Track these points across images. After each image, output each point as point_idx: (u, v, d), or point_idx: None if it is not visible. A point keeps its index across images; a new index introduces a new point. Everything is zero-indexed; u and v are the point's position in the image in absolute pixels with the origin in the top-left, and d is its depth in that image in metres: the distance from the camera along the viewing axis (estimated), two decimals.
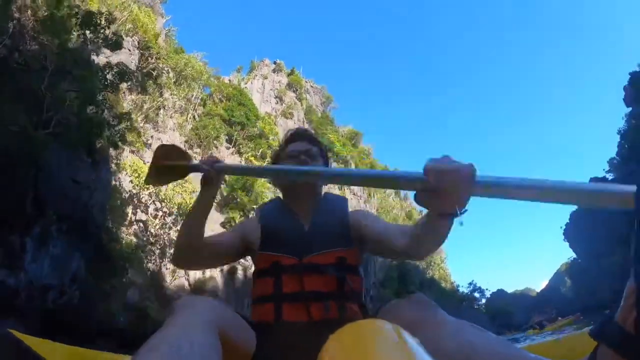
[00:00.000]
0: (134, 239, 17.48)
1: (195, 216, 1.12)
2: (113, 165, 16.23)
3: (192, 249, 1.11)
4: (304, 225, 1.17)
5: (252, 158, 29.68)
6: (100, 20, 12.94)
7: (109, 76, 13.18)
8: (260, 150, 30.76)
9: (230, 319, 0.83)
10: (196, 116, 29.31)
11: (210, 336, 0.67)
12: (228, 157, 28.53)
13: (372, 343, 0.44)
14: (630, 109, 37.07)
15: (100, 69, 13.05)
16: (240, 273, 21.64)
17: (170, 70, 27.40)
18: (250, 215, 28.68)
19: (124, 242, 16.23)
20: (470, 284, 74.80)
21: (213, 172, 1.10)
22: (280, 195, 1.33)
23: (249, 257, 1.22)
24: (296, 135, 1.34)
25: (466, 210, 0.75)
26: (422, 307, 0.77)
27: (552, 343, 1.19)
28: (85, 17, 12.52)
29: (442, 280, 60.87)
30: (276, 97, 39.81)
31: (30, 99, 11.06)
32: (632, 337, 0.50)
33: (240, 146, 30.21)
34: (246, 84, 38.80)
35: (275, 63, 44.32)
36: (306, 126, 39.14)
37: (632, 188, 0.57)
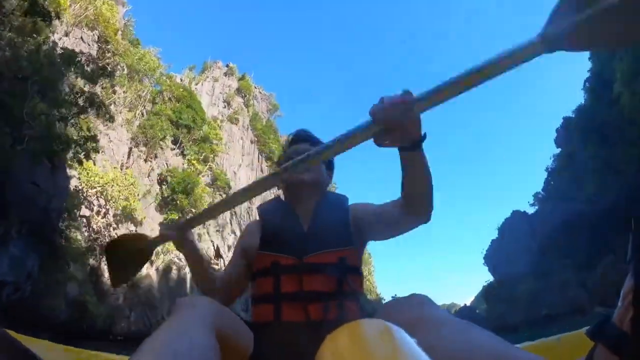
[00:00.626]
0: (78, 235, 18.84)
1: (194, 272, 1.20)
2: (69, 170, 17.58)
3: (212, 292, 1.16)
4: (303, 225, 1.16)
5: (195, 161, 31.25)
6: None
7: (80, 101, 14.84)
8: (203, 155, 32.37)
9: (229, 320, 0.83)
10: (144, 113, 30.20)
11: (208, 337, 0.68)
12: (172, 158, 29.91)
13: (369, 343, 0.44)
14: (559, 149, 41.33)
15: (73, 94, 14.67)
16: (174, 272, 23.64)
17: (125, 66, 28.11)
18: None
19: (73, 241, 17.68)
20: (393, 297, 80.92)
21: (174, 237, 1.15)
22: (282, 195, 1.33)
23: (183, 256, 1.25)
24: (297, 138, 1.32)
25: (425, 134, 0.84)
26: (421, 307, 0.77)
27: (551, 343, 1.18)
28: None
29: (368, 292, 65.20)
30: (224, 101, 41.33)
31: (4, 113, 12.46)
32: (628, 337, 0.50)
33: (185, 149, 31.58)
34: (197, 84, 39.83)
35: (227, 66, 45.70)
36: (249, 133, 41.32)
37: (534, 37, 0.74)
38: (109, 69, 25.80)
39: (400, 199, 1.01)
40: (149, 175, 26.81)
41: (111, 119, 16.37)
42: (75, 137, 14.89)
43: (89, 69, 15.82)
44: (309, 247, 1.09)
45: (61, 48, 14.91)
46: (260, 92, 49.50)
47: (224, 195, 32.14)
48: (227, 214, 31.47)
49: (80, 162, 15.32)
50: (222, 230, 29.80)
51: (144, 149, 27.88)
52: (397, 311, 0.77)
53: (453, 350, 0.62)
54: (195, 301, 0.77)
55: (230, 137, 37.81)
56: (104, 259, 21.49)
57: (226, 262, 22.65)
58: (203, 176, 31.33)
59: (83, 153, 14.93)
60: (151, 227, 23.90)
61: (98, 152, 16.74)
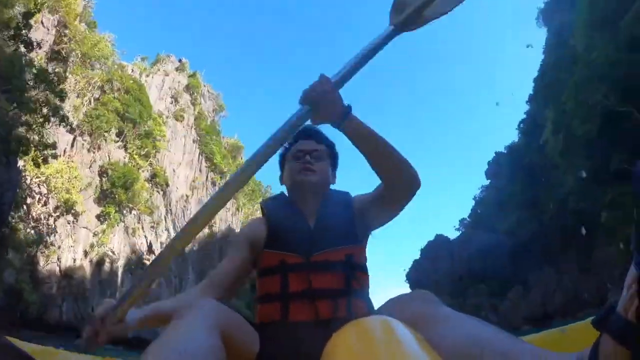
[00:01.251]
0: (20, 225, 19.68)
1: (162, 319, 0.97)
2: (21, 162, 18.50)
3: (220, 295, 1.09)
4: (309, 223, 1.15)
5: (137, 156, 32.04)
6: None
7: (44, 109, 16.23)
8: (145, 150, 33.19)
9: (234, 321, 0.83)
10: (92, 100, 30.42)
11: (213, 338, 0.68)
12: (114, 151, 30.57)
13: (376, 339, 0.45)
14: (489, 181, 43.94)
15: (39, 103, 16.03)
16: (107, 265, 24.89)
17: (80, 53, 28.33)
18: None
19: (16, 230, 18.65)
20: None
21: (117, 334, 0.90)
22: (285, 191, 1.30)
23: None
24: (303, 133, 1.27)
25: (349, 106, 1.00)
26: (425, 303, 0.78)
27: (556, 334, 1.19)
28: None
29: None
30: (172, 97, 42.01)
31: None
32: (634, 326, 0.50)
33: (128, 142, 32.23)
34: (147, 76, 40.17)
35: (180, 61, 46.31)
36: (192, 132, 42.55)
37: (388, 28, 1.01)
38: (64, 55, 26.21)
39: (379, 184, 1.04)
40: (90, 167, 27.50)
41: (69, 126, 17.83)
42: (35, 143, 16.16)
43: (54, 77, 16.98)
44: (316, 245, 1.08)
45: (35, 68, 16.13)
46: (209, 91, 50.59)
47: (162, 193, 33.58)
48: (163, 210, 32.92)
49: (37, 165, 16.68)
50: (156, 227, 31.22)
51: (88, 138, 28.33)
52: (401, 307, 0.79)
53: (460, 345, 0.63)
54: (200, 303, 0.78)
55: (173, 134, 38.83)
56: (41, 247, 22.21)
57: None
58: (143, 171, 32.32)
59: (41, 158, 16.28)
60: (88, 219, 24.97)
61: (56, 158, 18.01)
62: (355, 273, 1.08)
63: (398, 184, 1.06)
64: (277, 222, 1.16)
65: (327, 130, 1.19)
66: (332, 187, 1.29)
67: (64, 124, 16.83)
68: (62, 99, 16.96)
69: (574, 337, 1.07)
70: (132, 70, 37.79)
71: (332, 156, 1.30)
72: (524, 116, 35.75)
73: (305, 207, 1.19)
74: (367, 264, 1.17)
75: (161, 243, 30.55)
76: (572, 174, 21.87)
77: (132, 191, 29.16)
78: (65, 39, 26.44)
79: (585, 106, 18.88)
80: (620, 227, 16.51)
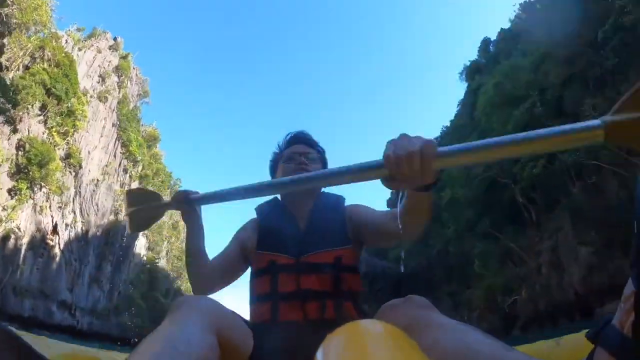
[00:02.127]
0: None
1: (192, 249, 1.15)
2: None
3: (200, 275, 1.14)
4: (300, 225, 1.18)
5: (55, 133, 31.87)
6: None
7: None
8: (65, 129, 33.01)
9: (228, 319, 0.83)
10: (20, 67, 29.77)
11: (207, 335, 0.68)
12: (34, 125, 30.30)
13: (369, 344, 0.45)
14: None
15: None
16: (12, 241, 25.24)
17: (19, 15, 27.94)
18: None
19: None
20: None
21: (185, 208, 1.13)
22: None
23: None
24: (295, 139, 1.33)
25: (439, 180, 0.77)
26: (419, 309, 0.78)
27: (550, 345, 1.16)
28: None
29: (187, 293, 65.33)
30: (100, 76, 41.66)
31: None
32: (629, 340, 0.50)
33: (49, 118, 31.95)
34: (80, 50, 39.44)
35: (115, 40, 45.78)
36: (113, 115, 42.62)
37: (597, 122, 0.63)
38: (4, 18, 25.92)
39: (394, 213, 1.00)
40: (9, 139, 27.42)
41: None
42: None
43: None
44: (306, 247, 1.11)
45: None
46: (137, 75, 50.49)
47: (74, 174, 34.00)
48: (72, 191, 33.36)
49: None
50: (64, 208, 31.72)
51: (11, 109, 27.93)
52: (395, 312, 0.78)
53: (452, 352, 0.63)
54: (194, 300, 0.78)
55: (94, 115, 38.81)
56: None
57: (61, 240, 26.74)
58: (58, 149, 32.38)
59: None
60: (0, 193, 25.29)
61: None
62: (344, 275, 1.08)
63: (412, 235, 0.99)
64: (269, 224, 1.20)
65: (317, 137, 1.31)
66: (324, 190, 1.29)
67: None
68: None
69: (568, 349, 1.05)
70: (66, 41, 36.95)
71: (323, 161, 1.32)
72: None
73: (298, 209, 1.22)
74: (358, 266, 1.15)
75: (67, 224, 31.27)
76: (454, 224, 25.87)
77: (47, 169, 29.41)
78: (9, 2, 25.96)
79: (469, 174, 22.50)
80: (487, 275, 20.57)
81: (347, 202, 1.29)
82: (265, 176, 1.37)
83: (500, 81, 24.08)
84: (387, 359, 0.40)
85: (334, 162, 1.27)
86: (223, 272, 1.18)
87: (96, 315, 32.67)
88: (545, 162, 18.85)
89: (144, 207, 1.21)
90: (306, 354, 0.59)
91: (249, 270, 1.22)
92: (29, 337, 1.06)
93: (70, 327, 28.23)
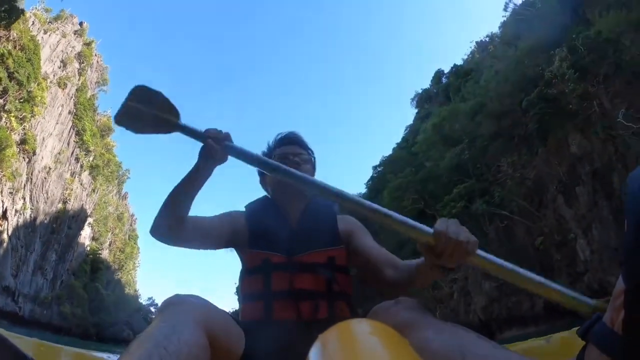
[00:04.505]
0: None
1: (186, 186, 1.01)
2: None
3: (175, 219, 1.01)
4: (293, 224, 1.17)
5: (13, 118, 31.60)
6: None
7: None
8: (23, 114, 32.73)
9: (219, 318, 0.82)
10: None
11: (198, 335, 0.68)
12: None
13: (360, 342, 0.45)
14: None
15: None
16: None
17: None
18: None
19: None
20: (149, 298, 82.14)
21: (220, 152, 0.99)
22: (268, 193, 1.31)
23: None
24: (287, 139, 1.31)
25: (457, 268, 0.85)
26: (411, 310, 0.79)
27: (540, 343, 1.17)
28: None
29: (127, 285, 64.44)
30: (62, 62, 41.30)
31: None
32: (619, 337, 0.50)
33: (8, 103, 31.68)
34: (45, 33, 39.00)
35: (81, 25, 45.36)
36: (71, 103, 42.28)
37: (590, 301, 0.72)
38: None
39: (399, 267, 1.04)
40: None
41: None
42: None
43: None
44: (299, 246, 1.10)
45: None
46: (98, 62, 50.11)
47: (27, 160, 33.96)
48: (24, 179, 33.33)
49: None
50: (15, 194, 31.76)
51: None
52: (387, 313, 0.79)
53: (443, 351, 0.63)
54: (185, 299, 0.77)
55: (52, 102, 38.57)
56: None
57: (10, 226, 27.59)
58: (15, 134, 32.27)
59: None
60: None
61: None
62: (336, 275, 1.09)
63: (402, 292, 1.00)
64: (261, 223, 1.16)
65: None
66: None
67: None
68: None
69: (559, 346, 1.04)
70: (33, 23, 36.45)
71: (313, 163, 1.31)
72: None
73: (290, 209, 1.20)
74: (349, 267, 1.15)
75: (16, 210, 31.40)
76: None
77: (3, 155, 29.44)
78: None
79: (398, 204, 24.06)
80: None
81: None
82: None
83: (439, 123, 26.71)
84: (378, 357, 0.40)
85: None
86: (201, 231, 1.09)
87: (38, 303, 32.86)
88: (464, 205, 21.54)
89: (159, 114, 1.02)
90: (299, 353, 0.62)
91: (240, 268, 1.16)
92: (17, 339, 1.00)
93: (12, 314, 28.56)
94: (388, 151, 40.16)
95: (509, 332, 20.10)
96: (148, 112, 1.03)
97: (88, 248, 45.65)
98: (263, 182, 1.33)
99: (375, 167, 37.70)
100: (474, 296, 21.94)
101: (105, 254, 50.54)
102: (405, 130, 41.51)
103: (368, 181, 38.69)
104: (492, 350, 0.63)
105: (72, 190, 39.93)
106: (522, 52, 22.91)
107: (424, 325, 0.72)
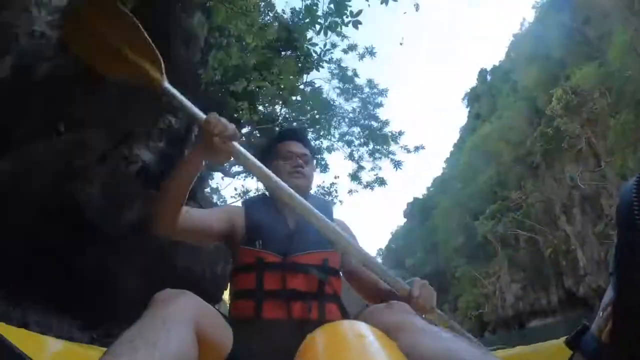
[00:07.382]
0: None
1: (179, 179, 1.01)
2: None
3: (170, 211, 1.02)
4: (290, 224, 1.18)
5: None
6: None
7: None
8: None
9: (208, 315, 0.82)
10: None
11: (186, 331, 0.68)
12: None
13: (349, 343, 0.46)
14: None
15: None
16: None
17: None
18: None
19: None
20: None
21: (225, 156, 0.99)
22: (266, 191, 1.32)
23: None
24: (292, 135, 1.28)
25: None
26: (401, 313, 0.80)
27: (528, 351, 1.17)
28: None
29: None
30: None
31: None
32: (607, 347, 0.51)
33: None
34: None
35: None
36: None
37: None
38: None
39: (376, 287, 1.18)
40: None
41: None
42: None
43: None
44: (294, 246, 1.10)
45: None
46: None
47: None
48: None
49: None
50: None
51: None
52: (377, 316, 0.80)
53: (430, 354, 0.63)
54: (174, 295, 0.76)
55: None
56: None
57: None
58: None
59: None
60: None
61: None
62: (329, 277, 1.09)
63: (370, 302, 1.17)
64: (257, 221, 1.16)
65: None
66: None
67: None
68: None
69: (547, 355, 1.05)
70: None
71: (314, 164, 1.32)
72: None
73: (288, 208, 1.18)
74: (341, 269, 1.20)
75: None
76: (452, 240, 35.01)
77: None
78: None
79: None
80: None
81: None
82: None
83: (468, 156, 34.42)
84: (366, 357, 0.42)
85: None
86: (201, 225, 1.10)
87: None
88: (494, 222, 28.54)
89: (132, 57, 0.85)
90: (288, 352, 0.63)
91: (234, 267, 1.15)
92: (3, 329, 0.90)
93: None
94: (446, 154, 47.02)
95: (534, 321, 26.09)
96: (111, 45, 0.90)
97: None
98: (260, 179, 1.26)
99: (444, 168, 46.05)
100: (506, 295, 29.90)
101: None
102: (459, 131, 47.98)
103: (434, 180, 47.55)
104: (481, 356, 0.62)
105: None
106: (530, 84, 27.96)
107: (413, 328, 0.72)
